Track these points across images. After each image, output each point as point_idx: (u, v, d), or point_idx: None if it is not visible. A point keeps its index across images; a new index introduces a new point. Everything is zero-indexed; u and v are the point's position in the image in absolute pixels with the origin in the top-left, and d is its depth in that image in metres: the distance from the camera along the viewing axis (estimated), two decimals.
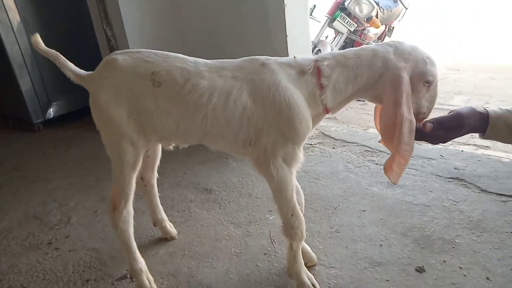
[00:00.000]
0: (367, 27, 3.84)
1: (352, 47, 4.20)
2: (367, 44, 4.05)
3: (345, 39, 3.87)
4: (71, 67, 1.32)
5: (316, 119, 1.32)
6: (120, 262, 1.62)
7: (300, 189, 1.38)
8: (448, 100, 3.88)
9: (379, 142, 1.40)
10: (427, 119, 1.32)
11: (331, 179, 2.15)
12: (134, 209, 1.41)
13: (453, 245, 1.56)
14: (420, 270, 1.46)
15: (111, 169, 1.33)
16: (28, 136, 3.16)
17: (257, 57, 1.29)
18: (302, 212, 1.39)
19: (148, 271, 1.45)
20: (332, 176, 2.18)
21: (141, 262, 1.43)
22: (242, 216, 1.88)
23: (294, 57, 1.28)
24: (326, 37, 4.10)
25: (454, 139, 1.46)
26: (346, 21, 3.66)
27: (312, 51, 3.68)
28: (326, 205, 1.90)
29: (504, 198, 1.84)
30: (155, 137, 1.32)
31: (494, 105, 3.61)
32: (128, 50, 1.32)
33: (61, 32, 3.10)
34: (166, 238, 1.73)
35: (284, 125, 1.22)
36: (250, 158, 1.32)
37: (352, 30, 3.74)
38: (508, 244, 1.53)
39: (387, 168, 1.24)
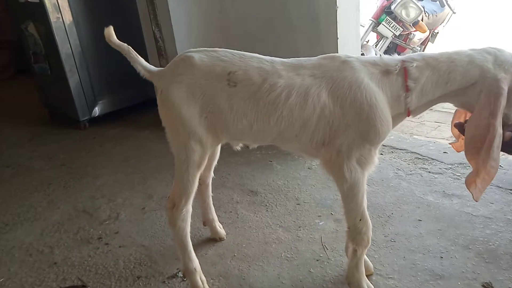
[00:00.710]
0: (413, 31, 3.72)
1: (395, 51, 4.10)
2: (411, 49, 3.93)
3: (389, 43, 3.77)
4: (142, 62, 1.32)
5: (396, 121, 1.26)
6: (170, 261, 1.61)
7: (365, 195, 1.32)
8: None
9: (449, 144, 1.34)
10: None
11: (381, 186, 2.06)
12: None
13: None
14: (487, 286, 1.36)
15: (175, 166, 1.32)
16: (74, 133, 3.25)
17: (338, 54, 1.25)
18: None
19: (201, 272, 1.43)
20: (383, 183, 2.09)
21: (196, 262, 1.41)
22: (291, 220, 1.83)
23: (380, 55, 1.23)
24: (367, 42, 4.00)
25: None
26: (391, 25, 3.56)
27: None
28: (379, 213, 1.83)
29: None
30: (226, 136, 1.30)
31: None
32: (203, 48, 1.29)
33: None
34: (214, 239, 1.71)
35: (364, 125, 1.17)
36: (321, 159, 1.28)
37: (397, 35, 3.63)
38: None
39: (470, 183, 1.17)
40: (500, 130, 1.12)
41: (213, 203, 1.98)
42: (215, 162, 1.57)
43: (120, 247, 1.74)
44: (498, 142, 1.12)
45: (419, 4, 3.55)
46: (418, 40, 4.11)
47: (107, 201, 2.13)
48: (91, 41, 3.17)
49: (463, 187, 2.00)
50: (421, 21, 3.61)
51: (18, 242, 1.85)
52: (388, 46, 3.91)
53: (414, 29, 3.65)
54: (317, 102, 1.18)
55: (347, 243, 1.38)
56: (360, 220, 1.25)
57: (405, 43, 3.83)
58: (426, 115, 3.81)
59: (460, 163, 2.17)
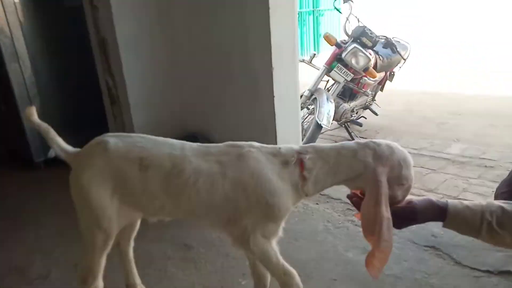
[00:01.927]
0: (364, 76, 3.92)
1: (351, 94, 4.29)
2: (363, 93, 4.13)
3: (342, 87, 3.96)
4: (59, 143, 1.42)
5: (296, 202, 1.40)
6: None
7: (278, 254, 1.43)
8: (446, 148, 3.90)
9: (354, 215, 1.47)
10: None
11: (309, 241, 2.18)
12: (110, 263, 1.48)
13: None
14: None
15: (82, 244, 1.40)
16: (28, 174, 3.28)
17: (242, 144, 1.38)
18: (266, 285, 1.46)
19: None
20: (311, 237, 2.21)
21: None
22: (216, 279, 1.92)
23: (279, 148, 1.37)
24: (327, 81, 4.16)
25: None
26: (343, 72, 3.75)
27: (309, 99, 3.77)
28: (300, 272, 1.88)
29: (477, 273, 1.84)
30: (138, 215, 1.42)
31: (492, 155, 3.61)
32: (120, 133, 1.42)
33: (68, 80, 3.30)
34: None
35: (265, 210, 1.30)
36: (229, 236, 1.40)
37: (348, 80, 3.82)
38: None
39: (369, 263, 1.29)
40: (387, 215, 1.25)
41: (146, 259, 2.05)
42: (134, 233, 1.66)
43: None
44: (386, 224, 1.24)
45: (368, 52, 3.75)
46: (373, 82, 4.31)
47: (42, 256, 2.17)
48: (48, 81, 3.23)
49: None
50: (371, 68, 3.81)
51: None
52: (343, 88, 4.09)
53: (365, 74, 3.85)
54: (222, 188, 1.30)
55: None
56: (284, 274, 1.35)
57: (357, 87, 4.03)
58: None
59: None
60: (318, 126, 3.44)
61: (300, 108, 2.78)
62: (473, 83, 6.47)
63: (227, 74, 2.66)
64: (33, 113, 1.42)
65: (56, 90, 3.30)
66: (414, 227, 2.19)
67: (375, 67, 4.11)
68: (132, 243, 1.69)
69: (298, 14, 9.46)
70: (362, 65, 3.69)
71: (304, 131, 3.74)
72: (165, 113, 2.97)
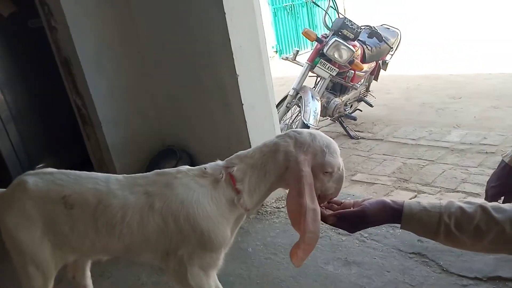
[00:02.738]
0: (350, 69, 3.76)
1: (342, 88, 4.13)
2: (351, 86, 3.97)
3: (329, 83, 3.81)
4: None
5: (238, 221, 1.33)
6: None
7: None
8: (445, 136, 3.73)
9: None
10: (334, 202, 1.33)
11: (288, 255, 2.06)
12: None
13: None
14: None
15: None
16: None
17: (169, 171, 1.30)
18: None
19: None
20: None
21: None
22: None
23: (205, 168, 1.29)
24: (317, 77, 4.00)
25: None
26: (327, 67, 3.59)
27: (295, 98, 3.64)
28: None
29: (464, 282, 1.70)
30: (72, 255, 1.34)
31: (493, 140, 3.45)
32: (41, 170, 1.34)
33: (43, 102, 3.25)
34: None
35: (200, 238, 1.22)
36: (166, 268, 1.32)
37: (334, 75, 3.66)
38: None
39: (293, 253, 1.22)
40: (312, 205, 1.17)
41: (119, 285, 1.98)
42: (88, 265, 1.59)
43: None
44: (311, 216, 1.16)
45: (352, 44, 3.58)
46: (363, 73, 4.13)
47: None
48: (22, 106, 3.15)
49: (366, 252, 2.01)
50: (356, 60, 3.65)
51: None
52: (332, 82, 3.94)
53: (351, 67, 3.69)
54: (153, 220, 1.22)
55: None
56: None
57: (345, 81, 3.87)
58: (376, 146, 3.83)
59: None
60: (305, 126, 3.31)
61: (276, 113, 2.65)
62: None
63: (197, 84, 2.56)
64: None
65: (32, 114, 3.24)
66: (399, 230, 2.10)
67: (363, 57, 3.96)
68: (88, 275, 1.61)
69: (291, 7, 9.33)
70: (346, 58, 3.54)
71: None
72: (140, 128, 2.89)
